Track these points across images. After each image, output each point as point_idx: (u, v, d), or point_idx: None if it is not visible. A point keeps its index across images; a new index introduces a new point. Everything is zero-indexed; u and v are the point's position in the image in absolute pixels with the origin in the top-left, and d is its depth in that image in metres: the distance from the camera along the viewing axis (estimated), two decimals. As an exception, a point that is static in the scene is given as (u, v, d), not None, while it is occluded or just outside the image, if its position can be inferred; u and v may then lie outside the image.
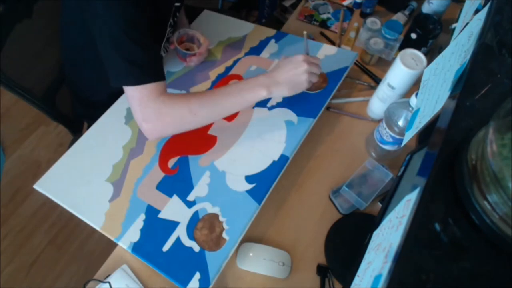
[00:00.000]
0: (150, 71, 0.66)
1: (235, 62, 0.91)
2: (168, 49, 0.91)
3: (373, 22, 0.95)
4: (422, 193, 0.34)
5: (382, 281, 0.32)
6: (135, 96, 0.66)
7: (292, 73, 0.70)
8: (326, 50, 0.91)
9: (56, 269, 1.40)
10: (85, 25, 0.72)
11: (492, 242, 0.33)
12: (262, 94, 0.69)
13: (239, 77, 0.88)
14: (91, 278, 0.66)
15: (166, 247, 0.65)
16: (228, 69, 0.90)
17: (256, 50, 0.93)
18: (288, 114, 0.80)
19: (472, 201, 0.34)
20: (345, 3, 1.10)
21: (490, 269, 0.34)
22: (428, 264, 0.33)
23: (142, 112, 0.67)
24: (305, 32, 0.80)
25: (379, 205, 0.76)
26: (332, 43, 1.02)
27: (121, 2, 0.61)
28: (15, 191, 1.56)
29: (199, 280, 0.61)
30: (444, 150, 0.38)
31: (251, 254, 0.69)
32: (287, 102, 0.82)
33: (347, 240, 0.71)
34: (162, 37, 0.84)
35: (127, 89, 0.67)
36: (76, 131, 1.10)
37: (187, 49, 0.89)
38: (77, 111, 1.04)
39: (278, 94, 0.71)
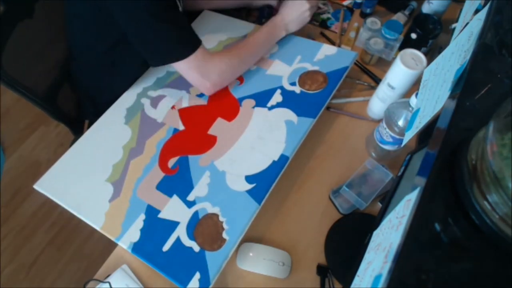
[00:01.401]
0: (186, 44, 0.73)
1: (235, 62, 0.91)
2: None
3: (373, 22, 0.95)
4: (422, 193, 0.34)
5: (382, 281, 0.32)
6: (184, 68, 0.75)
7: (299, 13, 0.89)
8: (326, 50, 0.91)
9: (56, 269, 1.40)
10: (91, 20, 0.74)
11: (492, 242, 0.33)
12: (282, 35, 0.90)
13: (239, 77, 0.88)
14: (91, 278, 0.66)
15: (166, 247, 0.65)
16: (228, 69, 0.90)
17: None
18: (288, 114, 0.80)
19: (472, 201, 0.34)
20: (345, 3, 1.10)
21: (490, 269, 0.34)
22: (428, 264, 0.33)
23: (199, 76, 0.77)
24: None
25: (379, 205, 0.76)
26: (332, 43, 1.01)
27: None
28: (15, 191, 1.56)
29: (199, 280, 0.61)
30: (444, 150, 0.38)
31: (251, 254, 0.69)
32: (287, 102, 0.82)
33: (347, 240, 0.71)
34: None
35: (174, 64, 0.74)
36: (78, 131, 1.10)
37: None
38: (87, 110, 1.04)
39: (290, 31, 0.92)
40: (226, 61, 0.79)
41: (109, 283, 0.65)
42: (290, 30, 0.90)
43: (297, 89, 0.85)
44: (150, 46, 0.73)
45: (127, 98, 0.86)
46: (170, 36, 0.71)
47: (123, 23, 0.70)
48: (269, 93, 0.84)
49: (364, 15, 1.06)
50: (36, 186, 0.72)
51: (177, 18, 0.72)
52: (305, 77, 0.86)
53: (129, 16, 0.68)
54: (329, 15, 1.08)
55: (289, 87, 0.85)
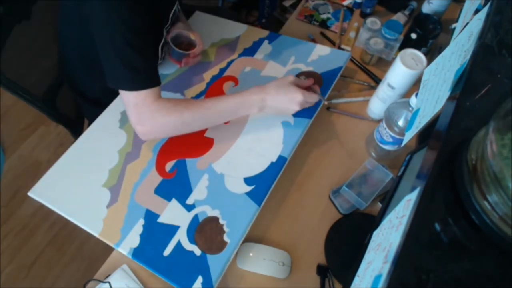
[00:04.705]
0: (147, 78, 0.68)
1: (229, 64, 0.91)
2: (167, 51, 0.91)
3: (373, 22, 0.95)
4: (422, 193, 0.34)
5: (382, 281, 0.32)
6: (130, 101, 0.68)
7: (286, 104, 0.73)
8: (320, 50, 0.91)
9: (56, 269, 1.40)
10: (82, 22, 0.72)
11: (492, 242, 0.33)
12: (253, 112, 0.75)
13: (234, 79, 0.87)
14: (91, 278, 0.66)
15: (167, 252, 0.64)
16: (223, 70, 0.89)
17: (250, 51, 0.92)
18: (284, 115, 0.80)
19: (472, 201, 0.34)
20: (345, 3, 1.10)
21: (490, 269, 0.34)
22: (428, 264, 0.33)
23: (137, 116, 0.69)
24: (325, 103, 0.80)
25: (379, 205, 0.76)
26: (332, 43, 1.02)
27: (120, 7, 0.62)
28: (15, 191, 1.56)
29: (202, 284, 0.61)
30: (444, 150, 0.38)
31: (251, 254, 0.69)
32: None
33: (347, 240, 0.71)
34: (159, 40, 0.83)
35: (123, 93, 0.68)
36: (78, 133, 1.10)
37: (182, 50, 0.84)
38: (82, 107, 1.04)
39: (265, 112, 0.76)
40: (171, 119, 0.69)
41: (109, 283, 0.64)
42: (266, 112, 0.75)
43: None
44: (110, 65, 0.67)
45: (121, 102, 0.85)
46: (133, 64, 0.66)
47: (96, 33, 0.66)
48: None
49: (364, 15, 1.06)
50: (30, 194, 0.70)
51: (147, 48, 0.69)
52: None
53: (102, 29, 0.65)
54: (329, 15, 1.08)
55: (286, 88, 0.85)
